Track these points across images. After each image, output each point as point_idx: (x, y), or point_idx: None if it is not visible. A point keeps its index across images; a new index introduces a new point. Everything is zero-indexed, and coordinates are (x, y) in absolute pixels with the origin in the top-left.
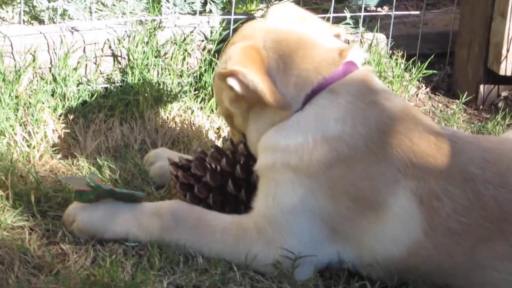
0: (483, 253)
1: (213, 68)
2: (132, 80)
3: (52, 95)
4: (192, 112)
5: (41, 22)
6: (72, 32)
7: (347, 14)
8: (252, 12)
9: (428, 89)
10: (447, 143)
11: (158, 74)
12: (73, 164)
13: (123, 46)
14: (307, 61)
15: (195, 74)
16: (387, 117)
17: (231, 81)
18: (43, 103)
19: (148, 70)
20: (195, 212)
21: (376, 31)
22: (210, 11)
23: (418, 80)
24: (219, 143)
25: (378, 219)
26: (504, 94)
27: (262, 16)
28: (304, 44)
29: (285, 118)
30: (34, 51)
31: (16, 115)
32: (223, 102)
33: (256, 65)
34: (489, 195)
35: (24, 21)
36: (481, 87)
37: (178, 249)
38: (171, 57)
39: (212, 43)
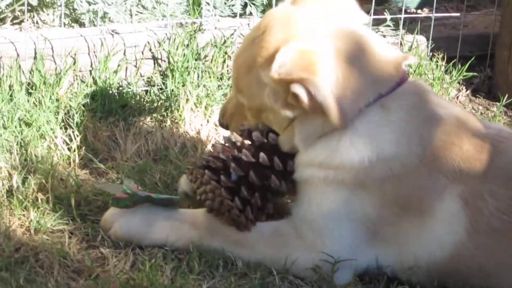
0: None
1: None
2: (172, 83)
3: (93, 98)
4: None
5: (82, 25)
6: (112, 34)
7: (387, 16)
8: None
9: (468, 91)
10: (492, 143)
11: (198, 77)
12: (113, 167)
13: (163, 49)
14: (365, 74)
15: None
16: (442, 132)
17: (298, 89)
18: (83, 106)
19: (188, 73)
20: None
21: (416, 33)
22: (250, 13)
23: (459, 83)
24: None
25: (424, 223)
26: None
27: None
28: (363, 51)
29: (333, 130)
30: (75, 54)
31: (57, 118)
32: (259, 97)
33: (321, 75)
34: None
35: (64, 24)
36: None
37: (217, 254)
38: (211, 60)
39: None
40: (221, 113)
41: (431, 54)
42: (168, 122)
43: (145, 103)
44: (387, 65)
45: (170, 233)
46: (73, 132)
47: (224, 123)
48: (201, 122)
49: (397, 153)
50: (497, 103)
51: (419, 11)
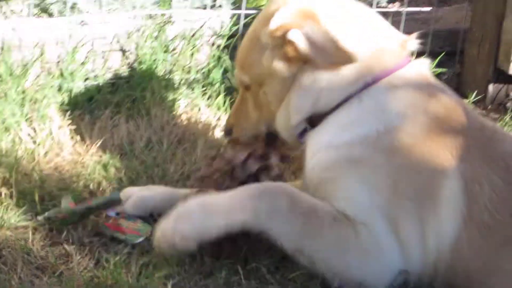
0: (508, 256)
1: (221, 65)
2: (139, 76)
3: (59, 91)
4: (199, 109)
5: (51, 15)
6: (81, 25)
7: None
8: (263, 7)
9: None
10: (491, 130)
11: (166, 70)
12: (78, 162)
13: (132, 41)
14: (371, 44)
15: (203, 70)
16: (444, 106)
17: (295, 34)
18: (49, 98)
19: (156, 66)
20: (307, 197)
21: None
22: (220, 6)
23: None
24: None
25: (435, 208)
26: None
27: None
28: (367, 22)
29: (333, 97)
30: (43, 45)
31: (22, 110)
32: (258, 65)
33: (320, 22)
34: None
35: (33, 14)
36: (490, 86)
37: (277, 241)
38: (180, 53)
39: (221, 38)
40: (226, 121)
41: None
42: (135, 116)
43: (111, 96)
44: (392, 40)
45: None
46: (38, 125)
47: (228, 129)
48: (167, 116)
49: (404, 123)
50: (465, 100)
51: (390, 5)
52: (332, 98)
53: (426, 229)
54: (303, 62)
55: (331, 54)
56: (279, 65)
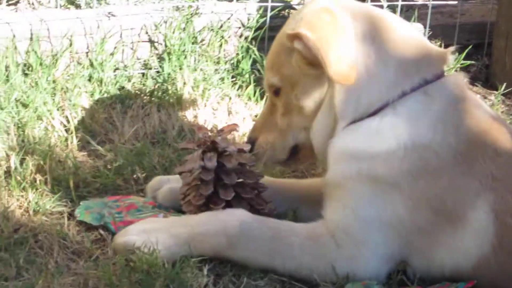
0: None
1: (250, 55)
2: (169, 66)
3: (89, 80)
4: (230, 99)
5: (78, 6)
6: (108, 17)
7: (384, 3)
8: (289, 0)
9: (465, 80)
10: None
11: (195, 61)
12: (111, 150)
13: (160, 32)
14: (409, 51)
15: (232, 61)
16: (477, 126)
17: (297, 44)
18: (80, 88)
19: (185, 57)
20: (266, 229)
21: (414, 21)
22: None
23: (456, 71)
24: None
25: (455, 232)
26: None
27: (299, 4)
28: (399, 32)
29: (371, 102)
30: (71, 36)
31: (54, 99)
32: (288, 66)
33: (327, 29)
34: None
35: (60, 5)
36: None
37: (247, 265)
38: (208, 44)
39: (249, 30)
40: (251, 129)
41: None
42: (166, 105)
43: (142, 86)
44: (431, 51)
45: (193, 244)
46: (70, 113)
47: (252, 138)
48: (198, 105)
49: (432, 140)
50: (494, 91)
51: None
52: (371, 102)
53: (441, 249)
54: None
55: (324, 68)
56: (303, 68)
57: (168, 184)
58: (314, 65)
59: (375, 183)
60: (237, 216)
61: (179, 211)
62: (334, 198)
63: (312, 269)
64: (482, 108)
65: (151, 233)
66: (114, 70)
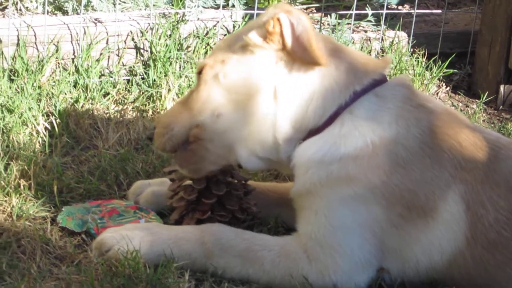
0: None
1: None
2: (154, 72)
3: (75, 86)
4: None
5: (65, 13)
6: (95, 23)
7: (369, 11)
8: None
9: (448, 88)
10: (492, 148)
11: (180, 67)
12: (94, 155)
13: (146, 39)
14: (355, 55)
15: None
16: (436, 119)
17: (283, 17)
18: (65, 94)
19: (171, 63)
20: (240, 240)
21: (398, 29)
22: (233, 6)
23: (439, 79)
24: None
25: (427, 226)
26: None
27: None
28: (347, 48)
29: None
30: (58, 42)
31: (39, 105)
32: (228, 47)
33: (306, 19)
34: None
35: (48, 11)
36: (502, 87)
37: (223, 275)
38: (194, 51)
39: None
40: (153, 124)
41: (412, 50)
42: (150, 112)
43: (127, 92)
44: (374, 60)
45: (174, 250)
46: (55, 119)
47: (157, 120)
48: None
49: (397, 134)
50: (476, 100)
51: (400, 7)
52: (325, 105)
53: (415, 246)
54: (278, 46)
55: (304, 49)
56: (254, 36)
57: (150, 187)
58: (270, 37)
59: (346, 184)
60: (215, 226)
61: (161, 214)
62: (306, 207)
63: (284, 284)
64: (433, 102)
65: (130, 230)
66: (100, 76)
